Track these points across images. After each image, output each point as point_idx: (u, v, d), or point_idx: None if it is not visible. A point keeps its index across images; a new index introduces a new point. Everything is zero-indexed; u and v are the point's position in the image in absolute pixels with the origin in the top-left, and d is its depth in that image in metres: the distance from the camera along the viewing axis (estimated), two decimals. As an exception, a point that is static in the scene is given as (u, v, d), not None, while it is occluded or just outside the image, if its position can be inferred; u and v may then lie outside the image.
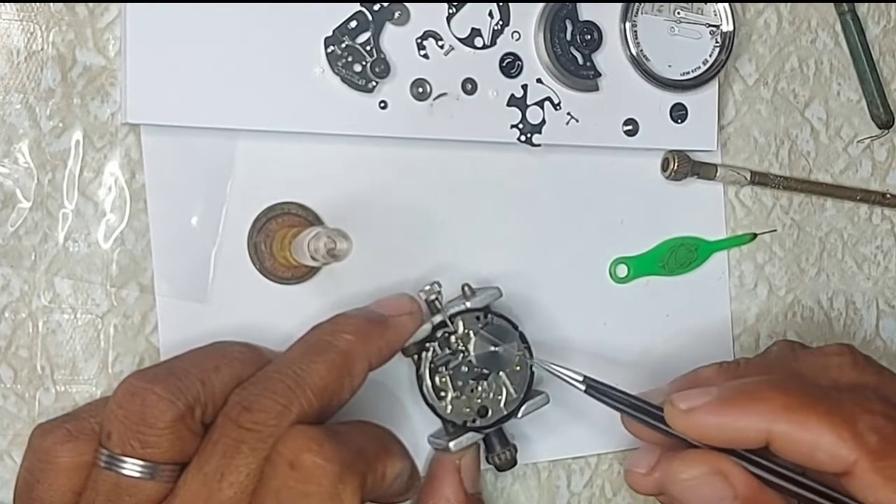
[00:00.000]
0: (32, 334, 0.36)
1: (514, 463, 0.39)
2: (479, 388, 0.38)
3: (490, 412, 0.38)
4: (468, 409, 0.38)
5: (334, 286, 0.39)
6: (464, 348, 0.38)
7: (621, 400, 0.36)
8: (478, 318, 0.38)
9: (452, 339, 0.38)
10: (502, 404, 0.38)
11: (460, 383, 0.38)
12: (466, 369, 0.38)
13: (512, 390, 0.38)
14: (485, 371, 0.38)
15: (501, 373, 0.38)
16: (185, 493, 0.31)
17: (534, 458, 0.43)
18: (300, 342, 0.35)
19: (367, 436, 0.32)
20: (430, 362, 0.37)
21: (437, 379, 0.37)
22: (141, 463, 0.31)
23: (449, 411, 0.37)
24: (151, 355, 0.37)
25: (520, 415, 0.38)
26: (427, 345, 0.37)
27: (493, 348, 0.38)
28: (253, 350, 0.35)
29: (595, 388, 0.37)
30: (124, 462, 0.31)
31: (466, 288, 0.38)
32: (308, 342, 0.34)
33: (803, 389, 0.34)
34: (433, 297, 0.38)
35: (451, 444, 0.37)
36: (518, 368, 0.38)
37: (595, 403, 0.42)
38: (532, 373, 0.38)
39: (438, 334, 0.37)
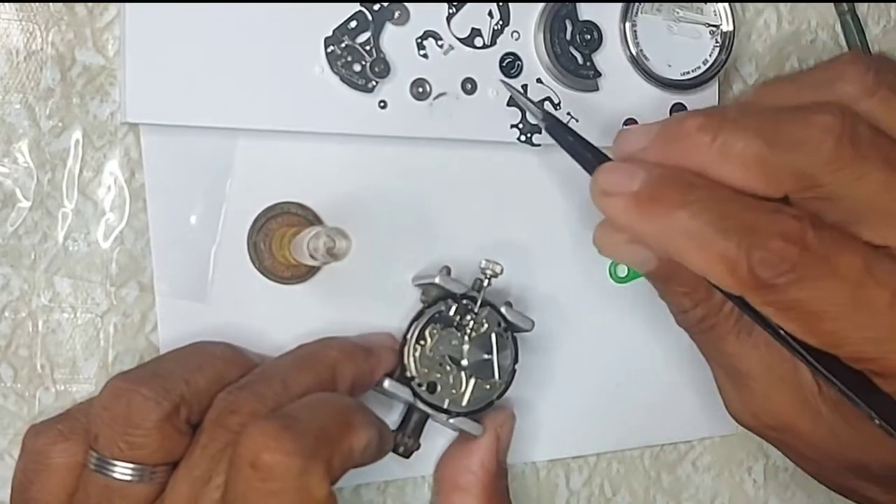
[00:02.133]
0: (32, 333, 0.36)
1: (407, 457, 0.38)
2: (448, 370, 0.37)
3: (436, 394, 0.37)
4: (425, 371, 0.37)
5: (334, 286, 0.39)
6: (469, 332, 0.37)
7: (575, 143, 0.35)
8: (499, 323, 0.38)
9: (468, 316, 0.37)
10: (449, 400, 0.37)
11: (441, 349, 0.37)
12: (454, 346, 0.37)
13: (467, 400, 0.37)
14: (463, 363, 0.37)
15: (473, 378, 0.38)
16: (173, 496, 0.31)
17: (532, 458, 0.43)
18: (288, 354, 0.35)
19: (328, 414, 0.31)
20: (438, 311, 0.37)
21: (429, 327, 0.37)
22: (130, 466, 0.31)
23: (412, 357, 0.37)
24: (151, 354, 0.37)
25: (450, 421, 0.38)
26: (449, 300, 0.37)
27: (486, 356, 0.38)
28: (235, 350, 0.35)
29: (554, 126, 0.36)
30: (114, 465, 0.31)
31: (511, 302, 0.38)
32: (296, 354, 0.35)
33: (712, 213, 0.31)
34: (489, 273, 0.37)
35: (386, 383, 0.36)
36: (487, 388, 0.38)
37: (595, 403, 0.43)
38: (490, 404, 0.38)
39: (463, 301, 0.37)
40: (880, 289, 0.30)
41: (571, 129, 0.36)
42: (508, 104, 0.39)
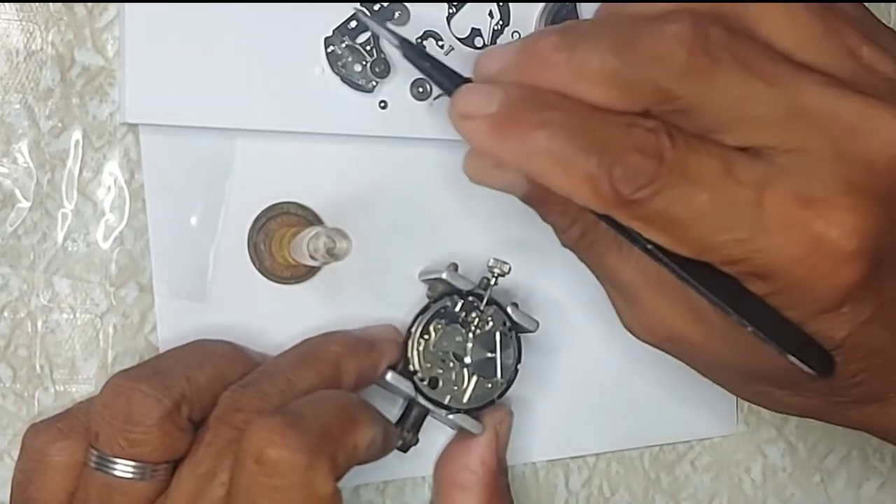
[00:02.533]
0: (31, 334, 0.36)
1: (405, 451, 0.38)
2: (451, 366, 0.37)
3: (437, 389, 0.37)
4: (427, 366, 0.37)
5: (334, 286, 0.39)
6: (473, 329, 0.37)
7: (433, 68, 0.34)
8: (504, 322, 0.38)
9: (474, 313, 0.37)
10: (450, 397, 0.37)
11: (444, 344, 0.37)
12: (458, 343, 0.37)
13: (468, 397, 0.38)
14: (466, 360, 0.37)
15: (476, 375, 0.38)
16: (177, 494, 0.31)
17: (531, 458, 0.43)
18: (291, 351, 0.35)
19: (332, 410, 0.31)
20: (444, 307, 0.37)
21: (434, 322, 0.37)
22: (132, 464, 0.31)
23: (415, 351, 0.37)
24: (151, 355, 0.37)
25: (450, 417, 0.38)
26: (455, 297, 0.37)
27: (489, 354, 0.38)
28: (236, 348, 0.35)
29: (410, 51, 0.34)
30: (114, 463, 0.31)
31: (517, 302, 0.38)
32: (299, 351, 0.35)
33: (569, 132, 0.30)
34: (497, 272, 0.38)
35: (389, 375, 0.36)
36: (488, 386, 0.38)
37: (593, 403, 0.43)
38: (491, 402, 0.38)
39: (469, 299, 0.37)
40: (741, 188, 0.29)
41: (429, 55, 0.35)
42: (508, 104, 0.39)
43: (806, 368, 0.31)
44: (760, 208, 0.29)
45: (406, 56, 0.35)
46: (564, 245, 0.36)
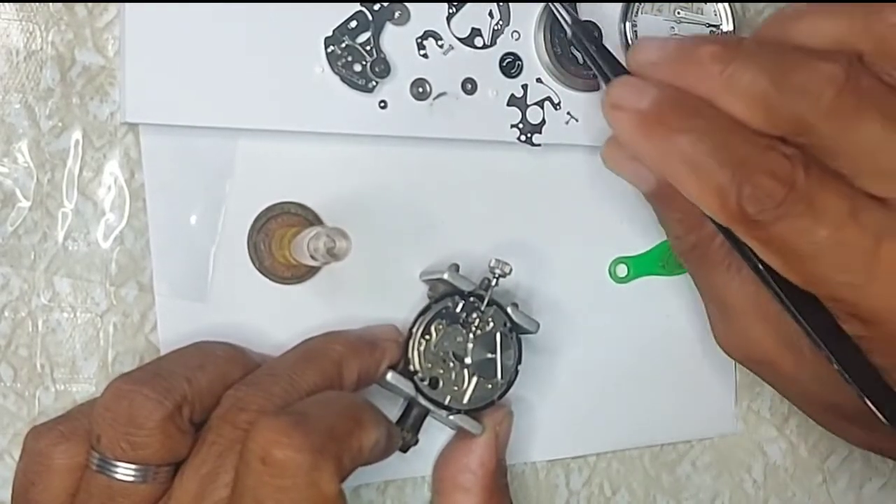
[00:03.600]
0: (32, 333, 0.36)
1: (405, 451, 0.38)
2: (451, 367, 0.37)
3: (437, 389, 0.37)
4: (428, 366, 0.37)
5: (334, 286, 0.39)
6: (474, 330, 0.37)
7: (597, 52, 0.36)
8: (505, 323, 0.38)
9: (474, 314, 0.37)
10: (450, 397, 0.37)
11: (445, 345, 0.37)
12: (458, 343, 0.37)
13: (468, 397, 0.37)
14: (466, 361, 0.37)
15: (476, 376, 0.38)
16: (180, 495, 0.31)
17: (532, 458, 0.43)
18: (293, 351, 0.35)
19: (337, 411, 0.32)
20: (445, 307, 0.37)
21: (435, 322, 0.37)
22: (133, 467, 0.31)
23: (416, 351, 0.37)
24: (151, 354, 0.37)
25: (450, 418, 0.38)
26: (456, 297, 0.37)
27: (490, 355, 0.38)
28: (236, 349, 0.35)
29: (581, 31, 0.36)
30: (116, 466, 0.31)
31: (518, 303, 0.38)
32: (301, 351, 0.35)
33: (711, 143, 0.31)
34: (498, 272, 0.38)
35: (389, 375, 0.37)
36: (489, 387, 0.38)
37: (594, 403, 0.42)
38: (491, 403, 0.38)
39: (470, 299, 0.37)
40: (863, 234, 0.30)
41: (598, 39, 0.36)
42: (508, 104, 0.39)
43: (881, 417, 0.32)
44: (876, 256, 0.30)
45: (574, 36, 0.36)
46: (674, 250, 0.37)
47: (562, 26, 0.39)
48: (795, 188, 0.30)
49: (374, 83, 0.37)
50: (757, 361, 0.36)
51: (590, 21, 0.40)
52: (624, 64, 0.36)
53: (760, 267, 0.32)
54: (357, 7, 0.37)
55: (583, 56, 0.37)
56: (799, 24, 0.33)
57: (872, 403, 0.32)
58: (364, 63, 0.37)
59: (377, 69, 0.37)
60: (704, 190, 0.31)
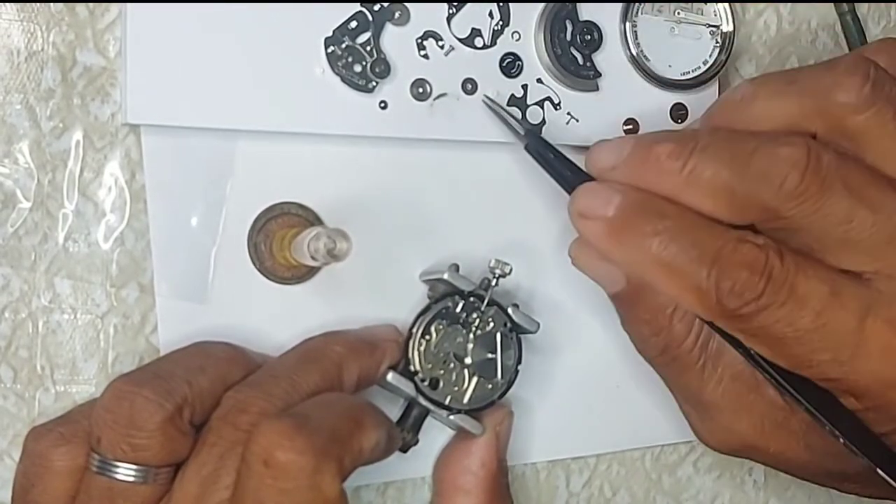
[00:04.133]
0: (32, 334, 0.36)
1: (405, 451, 0.38)
2: (451, 367, 0.37)
3: (438, 390, 0.37)
4: (428, 367, 0.37)
5: (334, 286, 0.39)
6: (474, 330, 0.37)
7: (555, 161, 0.36)
8: (505, 323, 0.38)
9: (474, 314, 0.37)
10: (450, 397, 0.37)
11: (445, 345, 0.37)
12: (459, 343, 0.37)
13: (468, 398, 0.37)
14: (467, 361, 0.37)
15: (476, 376, 0.38)
16: (180, 496, 0.31)
17: (532, 459, 0.43)
18: (293, 351, 0.35)
19: (338, 413, 0.32)
20: (445, 307, 0.37)
21: (435, 322, 0.37)
22: (133, 467, 0.31)
23: (416, 352, 0.37)
24: (151, 355, 0.37)
25: (450, 418, 0.38)
26: (456, 297, 0.37)
27: (490, 355, 0.38)
28: (237, 350, 0.35)
29: (536, 143, 0.36)
30: (116, 467, 0.31)
31: (518, 304, 0.38)
32: (301, 351, 0.35)
33: (682, 243, 0.31)
34: (498, 272, 0.38)
35: (390, 376, 0.36)
36: (489, 387, 0.38)
37: (595, 404, 0.43)
38: (491, 403, 0.38)
39: (470, 299, 0.37)
40: (845, 313, 0.31)
41: (552, 146, 0.37)
42: (509, 104, 0.39)
43: (892, 482, 0.32)
44: (861, 334, 0.31)
45: (528, 147, 0.37)
46: (641, 354, 0.37)
47: (562, 26, 0.39)
48: (773, 278, 0.30)
49: (374, 83, 0.37)
50: (746, 449, 0.36)
51: (590, 21, 0.40)
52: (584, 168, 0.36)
53: (753, 354, 0.32)
54: (357, 7, 0.37)
55: (540, 165, 0.37)
56: (750, 108, 0.34)
57: (884, 472, 0.32)
58: (364, 63, 0.37)
59: (377, 69, 0.37)
60: (682, 289, 0.31)
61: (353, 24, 0.37)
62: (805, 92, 0.33)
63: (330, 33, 0.37)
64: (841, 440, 0.32)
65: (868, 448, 0.32)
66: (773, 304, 0.30)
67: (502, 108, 0.38)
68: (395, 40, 0.38)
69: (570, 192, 0.35)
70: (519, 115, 0.39)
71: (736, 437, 0.36)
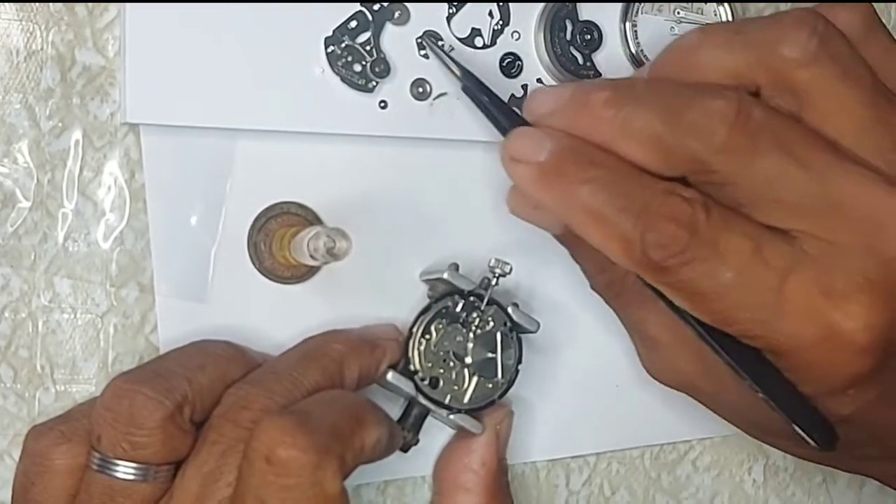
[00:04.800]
0: (32, 334, 0.36)
1: (405, 451, 0.38)
2: (451, 366, 0.37)
3: (438, 389, 0.37)
4: (428, 366, 0.37)
5: (334, 286, 0.39)
6: (474, 329, 0.37)
7: (491, 104, 0.35)
8: (505, 323, 0.38)
9: (474, 313, 0.37)
10: (450, 396, 0.37)
11: (445, 344, 0.37)
12: (459, 343, 0.37)
13: (468, 397, 0.37)
14: (467, 360, 0.37)
15: (476, 376, 0.38)
16: (181, 494, 0.31)
17: (532, 457, 0.43)
18: (293, 349, 0.35)
19: (340, 411, 0.32)
20: (445, 307, 0.37)
21: (435, 322, 0.37)
22: (133, 465, 0.31)
23: (416, 351, 0.37)
24: (151, 355, 0.37)
25: (450, 417, 0.38)
26: (456, 296, 0.37)
27: (490, 355, 0.38)
28: (237, 348, 0.35)
29: (471, 87, 0.36)
30: (116, 465, 0.31)
31: (518, 303, 0.38)
32: (302, 349, 0.35)
33: (610, 191, 0.31)
34: (498, 272, 0.38)
35: (390, 375, 0.37)
36: (489, 387, 0.38)
37: (594, 403, 0.42)
38: (491, 402, 0.38)
39: (470, 299, 0.37)
40: (767, 271, 0.30)
41: (489, 89, 0.36)
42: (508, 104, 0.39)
43: (810, 441, 0.32)
44: (782, 293, 0.30)
45: (465, 89, 0.36)
46: (592, 288, 0.37)
47: (562, 26, 0.39)
48: (697, 232, 0.30)
49: (374, 83, 0.37)
50: (682, 385, 0.37)
51: (590, 21, 0.40)
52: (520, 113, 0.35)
53: (675, 307, 0.32)
54: (357, 7, 0.37)
55: (478, 107, 0.36)
56: (695, 57, 0.33)
57: (801, 429, 0.32)
58: (364, 63, 0.37)
59: (377, 69, 0.37)
60: (608, 238, 0.31)
61: (353, 23, 0.37)
62: (750, 44, 0.32)
63: (330, 33, 0.37)
64: (759, 394, 0.32)
65: (789, 405, 0.32)
66: (696, 258, 0.30)
67: (441, 49, 0.37)
68: (395, 40, 0.38)
69: (504, 135, 0.34)
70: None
71: (676, 373, 0.36)
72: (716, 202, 0.31)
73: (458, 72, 0.36)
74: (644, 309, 0.36)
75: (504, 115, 0.35)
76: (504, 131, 0.34)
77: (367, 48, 0.37)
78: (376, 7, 0.37)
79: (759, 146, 0.30)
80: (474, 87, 0.36)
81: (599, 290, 0.37)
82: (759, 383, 0.32)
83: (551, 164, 0.32)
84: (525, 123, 0.34)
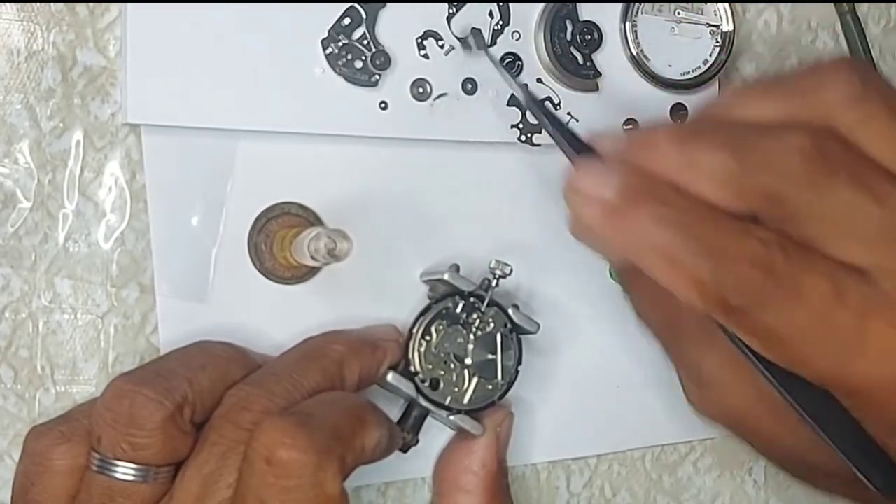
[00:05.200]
0: (33, 334, 0.36)
1: (405, 451, 0.38)
2: (451, 367, 0.37)
3: (438, 390, 0.37)
4: (429, 367, 0.37)
5: (334, 286, 0.39)
6: (474, 330, 0.37)
7: (559, 132, 0.34)
8: (505, 324, 0.38)
9: (475, 314, 0.37)
10: (451, 398, 0.37)
11: (446, 346, 0.37)
12: (459, 344, 0.37)
13: (468, 398, 0.37)
14: (467, 362, 0.37)
15: (476, 377, 0.38)
16: (182, 495, 0.31)
17: (533, 459, 0.43)
18: (293, 350, 0.35)
19: (340, 412, 0.32)
20: (445, 308, 0.37)
21: (435, 323, 0.37)
22: (133, 466, 0.31)
23: (416, 352, 0.37)
24: (152, 355, 0.37)
25: (450, 418, 0.38)
26: (456, 298, 0.37)
27: (490, 356, 0.38)
28: (237, 349, 0.35)
29: (535, 106, 0.35)
30: (116, 466, 0.31)
31: (518, 304, 0.38)
32: (302, 350, 0.35)
33: (683, 232, 0.30)
34: (498, 273, 0.38)
35: (390, 376, 0.36)
36: (489, 388, 0.38)
37: (595, 404, 0.42)
38: (491, 403, 0.38)
39: (471, 300, 0.37)
40: (845, 312, 0.30)
41: (553, 114, 0.36)
42: (509, 104, 0.39)
43: (870, 486, 0.32)
44: (862, 334, 0.29)
45: (530, 109, 0.36)
46: (640, 323, 0.36)
47: (562, 26, 0.39)
48: (775, 273, 0.29)
49: (377, 76, 0.37)
50: (736, 424, 0.36)
51: (590, 21, 0.40)
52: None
53: (746, 349, 0.31)
54: (347, 3, 0.37)
55: (543, 123, 0.35)
56: (738, 111, 0.32)
57: (861, 472, 0.32)
58: (364, 58, 0.37)
59: (378, 62, 0.37)
60: (680, 280, 0.30)
61: (347, 20, 0.37)
62: (792, 92, 0.32)
63: (325, 34, 0.37)
64: (820, 434, 0.32)
65: (850, 448, 0.32)
66: (773, 300, 0.29)
67: (501, 66, 0.37)
68: (391, 30, 0.38)
69: (569, 157, 0.33)
70: (519, 115, 0.39)
71: (727, 410, 0.35)
72: (790, 240, 0.30)
73: (520, 93, 0.36)
74: (701, 347, 0.35)
75: (569, 141, 0.34)
76: (571, 152, 0.33)
77: (365, 42, 0.37)
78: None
79: (836, 178, 0.29)
80: (538, 111, 0.35)
81: (653, 327, 0.36)
82: (822, 426, 0.32)
83: (619, 202, 0.30)
84: (589, 148, 0.33)
